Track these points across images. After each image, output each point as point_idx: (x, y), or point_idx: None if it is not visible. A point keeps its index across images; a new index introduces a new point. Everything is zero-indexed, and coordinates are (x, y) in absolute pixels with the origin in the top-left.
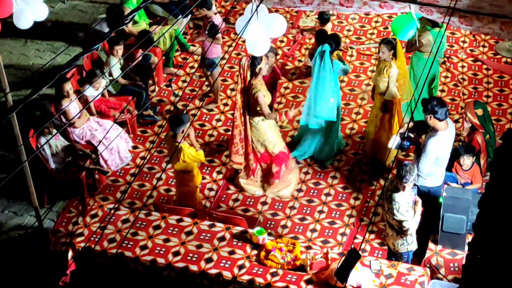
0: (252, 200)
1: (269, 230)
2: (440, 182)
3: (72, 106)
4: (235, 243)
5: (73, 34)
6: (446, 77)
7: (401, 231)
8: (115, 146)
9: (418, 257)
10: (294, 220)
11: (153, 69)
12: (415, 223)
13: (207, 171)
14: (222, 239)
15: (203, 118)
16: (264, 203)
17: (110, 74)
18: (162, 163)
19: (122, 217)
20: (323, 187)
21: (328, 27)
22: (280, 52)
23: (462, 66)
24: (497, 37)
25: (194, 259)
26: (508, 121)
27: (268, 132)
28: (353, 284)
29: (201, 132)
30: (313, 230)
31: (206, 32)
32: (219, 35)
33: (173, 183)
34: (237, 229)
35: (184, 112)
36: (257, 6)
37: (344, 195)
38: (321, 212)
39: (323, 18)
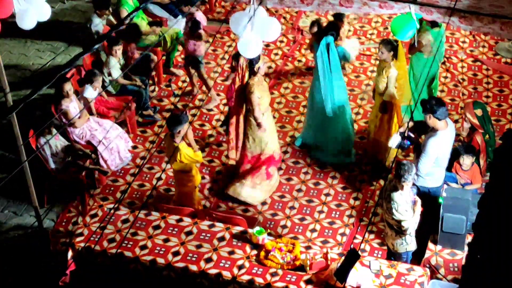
0: None
1: (268, 230)
2: (440, 182)
3: (72, 106)
4: (234, 243)
5: (73, 34)
6: (445, 77)
7: (400, 231)
8: (115, 146)
9: (417, 257)
10: (294, 220)
11: (152, 69)
12: (414, 223)
13: (207, 171)
14: (221, 239)
15: (203, 118)
16: (263, 203)
17: (110, 74)
18: (162, 163)
19: (122, 217)
20: (323, 187)
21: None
22: (280, 52)
23: (462, 67)
24: (497, 37)
25: (194, 259)
26: (507, 121)
27: (267, 130)
28: (353, 284)
29: (200, 132)
30: (313, 230)
31: (188, 29)
32: (202, 31)
33: (173, 183)
34: (236, 229)
35: (184, 112)
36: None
37: (344, 195)
38: (320, 212)
39: (338, 16)
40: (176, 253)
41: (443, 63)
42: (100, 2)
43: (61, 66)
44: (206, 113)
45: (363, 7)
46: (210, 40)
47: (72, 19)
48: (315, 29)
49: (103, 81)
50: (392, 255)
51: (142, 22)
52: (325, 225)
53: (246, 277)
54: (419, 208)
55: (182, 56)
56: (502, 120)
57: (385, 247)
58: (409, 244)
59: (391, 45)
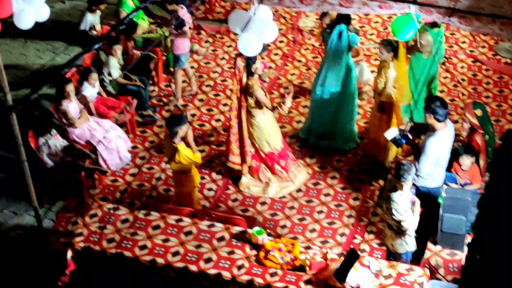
0: (252, 200)
1: (268, 230)
2: (439, 182)
3: (72, 106)
4: (234, 243)
5: (73, 34)
6: (445, 77)
7: (400, 231)
8: (115, 146)
9: (417, 258)
10: (294, 220)
11: (152, 69)
12: (414, 223)
13: (207, 171)
14: (221, 239)
15: (203, 119)
16: (263, 203)
17: (110, 74)
18: (161, 163)
19: (122, 217)
20: (323, 187)
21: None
22: (280, 52)
23: (462, 67)
24: (497, 37)
25: (193, 259)
26: (507, 121)
27: (269, 127)
28: (352, 284)
29: (200, 132)
30: (313, 230)
31: (173, 27)
32: (186, 29)
33: (173, 183)
34: (236, 229)
35: (184, 113)
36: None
37: (344, 196)
38: (320, 212)
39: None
40: (175, 253)
41: (443, 63)
42: None
43: (61, 66)
44: (206, 113)
45: (363, 8)
46: (210, 40)
47: (72, 19)
48: (327, 19)
49: (103, 81)
50: (392, 255)
51: (142, 22)
52: (325, 225)
53: (245, 277)
54: (418, 209)
55: None
56: (502, 121)
57: (385, 247)
58: (408, 244)
59: (391, 46)
